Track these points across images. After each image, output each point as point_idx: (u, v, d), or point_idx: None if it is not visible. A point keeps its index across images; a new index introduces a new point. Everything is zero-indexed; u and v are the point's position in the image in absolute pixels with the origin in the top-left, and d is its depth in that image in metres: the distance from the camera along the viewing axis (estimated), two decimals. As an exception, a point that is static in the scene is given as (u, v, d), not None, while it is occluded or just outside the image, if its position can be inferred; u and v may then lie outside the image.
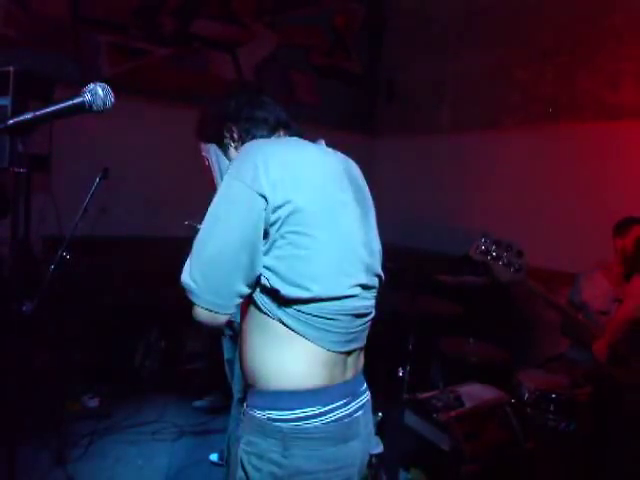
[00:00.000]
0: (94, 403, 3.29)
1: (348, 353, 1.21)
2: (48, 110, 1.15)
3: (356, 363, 1.26)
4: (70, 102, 1.16)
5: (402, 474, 2.37)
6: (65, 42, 3.72)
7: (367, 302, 1.23)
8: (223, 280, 1.09)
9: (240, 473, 1.16)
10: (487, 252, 2.42)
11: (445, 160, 4.77)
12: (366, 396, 1.28)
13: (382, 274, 1.30)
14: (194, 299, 1.11)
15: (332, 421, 1.14)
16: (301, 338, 1.13)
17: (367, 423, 1.26)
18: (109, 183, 2.58)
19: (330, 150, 1.32)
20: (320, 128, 5.61)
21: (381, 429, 2.57)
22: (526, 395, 2.54)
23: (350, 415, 1.18)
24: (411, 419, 2.35)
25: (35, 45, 3.57)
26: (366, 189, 1.36)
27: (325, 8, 5.04)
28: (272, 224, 1.08)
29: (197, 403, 3.48)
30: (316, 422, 1.13)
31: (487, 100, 4.47)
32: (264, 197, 1.07)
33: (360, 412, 1.22)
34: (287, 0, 4.79)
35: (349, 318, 1.18)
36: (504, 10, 4.34)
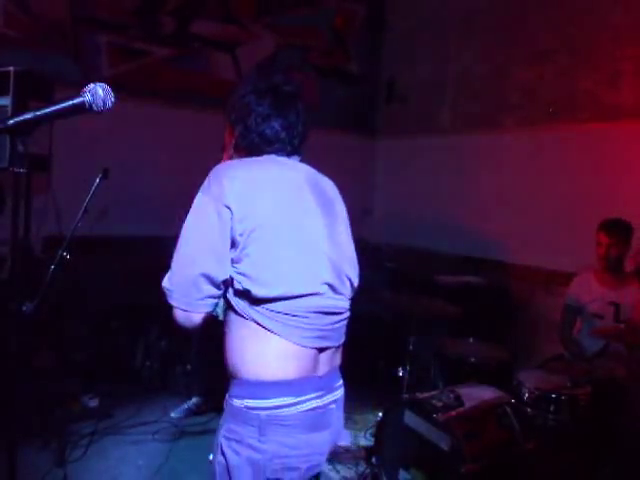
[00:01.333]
0: (94, 403, 3.29)
1: (321, 350, 1.31)
2: (48, 110, 1.15)
3: (331, 360, 1.36)
4: (70, 102, 1.16)
5: (402, 474, 2.38)
6: (65, 42, 3.72)
7: (336, 302, 1.33)
8: (192, 282, 1.23)
9: (220, 458, 1.28)
10: None
11: (445, 160, 4.77)
12: (340, 392, 1.39)
13: (353, 278, 1.44)
14: (169, 300, 1.27)
15: (305, 411, 1.26)
16: (274, 334, 1.24)
17: (339, 417, 1.39)
18: (109, 183, 2.58)
19: (300, 166, 1.44)
20: (320, 128, 5.62)
21: (381, 429, 2.58)
22: (526, 395, 2.54)
23: (324, 407, 1.31)
24: (411, 419, 2.35)
25: (35, 45, 3.57)
26: (336, 201, 1.49)
27: (325, 8, 5.04)
28: (240, 234, 1.21)
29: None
30: (290, 411, 1.24)
31: (487, 100, 4.47)
32: (229, 209, 1.21)
33: (334, 405, 1.35)
34: (287, 0, 4.79)
35: (317, 315, 1.28)
36: (504, 10, 4.34)
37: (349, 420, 3.54)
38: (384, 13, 5.47)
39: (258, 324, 1.24)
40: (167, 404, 3.44)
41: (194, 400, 3.45)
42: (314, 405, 1.28)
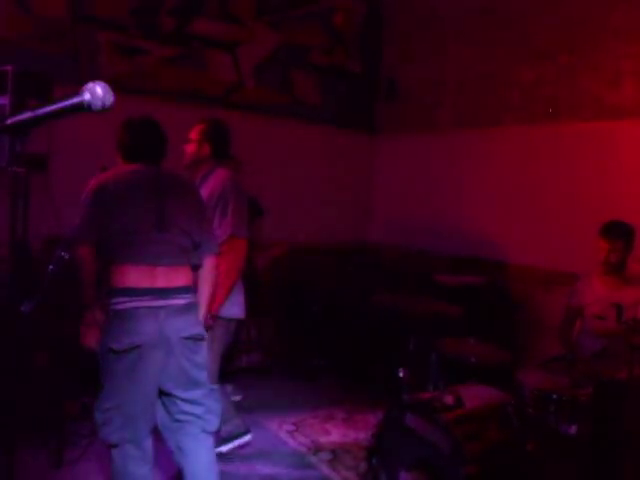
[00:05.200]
0: (93, 403, 3.28)
1: (153, 268, 2.03)
2: (47, 109, 1.14)
3: (168, 277, 2.06)
4: (69, 101, 1.15)
5: (402, 474, 2.37)
6: (65, 42, 3.72)
7: (161, 246, 2.07)
8: None
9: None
10: None
11: (445, 159, 4.77)
12: (180, 301, 2.06)
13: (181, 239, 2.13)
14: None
15: (127, 307, 1.98)
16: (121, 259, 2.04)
17: (176, 316, 2.04)
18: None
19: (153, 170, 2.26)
20: (320, 127, 5.63)
21: (381, 429, 2.57)
22: (526, 395, 2.53)
23: (144, 307, 1.99)
24: (411, 420, 2.35)
25: (35, 45, 3.56)
26: (183, 192, 2.29)
27: (325, 7, 5.04)
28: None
29: None
30: (123, 306, 1.99)
31: (487, 99, 4.46)
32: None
33: (157, 306, 2.00)
34: (287, 0, 4.79)
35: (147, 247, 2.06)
36: (504, 10, 4.33)
37: (349, 420, 3.54)
38: (384, 11, 5.46)
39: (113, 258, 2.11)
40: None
41: None
42: (140, 304, 1.99)
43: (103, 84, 1.17)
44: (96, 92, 1.16)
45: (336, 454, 3.08)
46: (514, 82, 4.25)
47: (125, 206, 2.09)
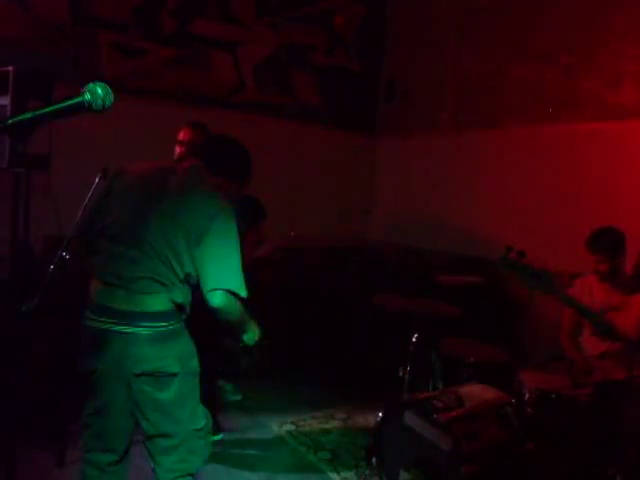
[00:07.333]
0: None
1: (111, 286, 1.78)
2: (48, 110, 1.14)
3: (131, 301, 1.76)
4: (70, 102, 1.16)
5: (402, 474, 2.37)
6: (65, 42, 3.72)
7: (124, 261, 1.79)
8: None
9: None
10: (515, 263, 2.44)
11: (445, 160, 4.77)
12: (137, 330, 1.75)
13: (153, 242, 1.79)
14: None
15: (88, 325, 1.81)
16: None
17: (126, 345, 1.76)
18: (109, 183, 2.58)
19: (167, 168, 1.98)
20: (320, 128, 5.63)
21: (381, 429, 2.57)
22: (526, 395, 2.54)
23: (102, 329, 1.77)
24: (411, 419, 2.35)
25: (35, 45, 3.56)
26: (175, 197, 1.85)
27: (325, 8, 5.04)
28: None
29: None
30: (85, 322, 1.82)
31: (487, 100, 4.46)
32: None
33: (116, 331, 1.75)
34: (287, 0, 4.79)
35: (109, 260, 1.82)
36: (504, 10, 4.33)
37: (349, 420, 3.54)
38: (384, 12, 5.46)
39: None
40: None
41: None
42: (93, 324, 1.79)
43: (103, 84, 1.17)
44: (97, 92, 1.16)
45: (336, 454, 3.08)
46: (514, 82, 4.25)
47: (116, 204, 1.89)
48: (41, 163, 2.86)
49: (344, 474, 2.87)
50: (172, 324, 1.82)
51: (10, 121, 1.12)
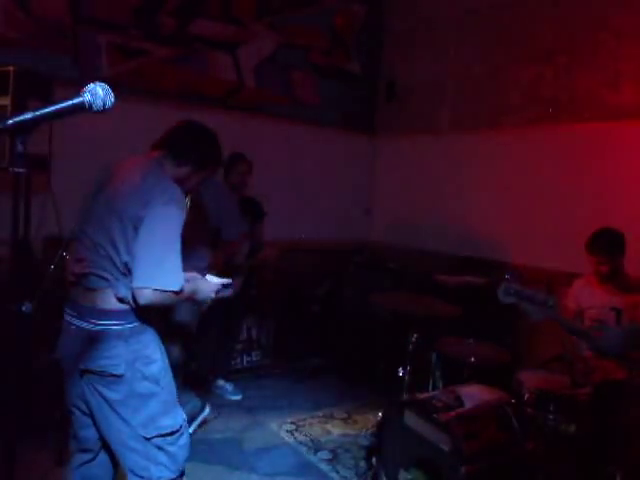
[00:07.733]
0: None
1: (72, 283, 1.83)
2: (48, 110, 1.14)
3: (85, 297, 1.79)
4: (70, 102, 1.16)
5: (402, 474, 2.37)
6: (65, 42, 3.72)
7: (75, 258, 1.84)
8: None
9: None
10: (517, 293, 2.43)
11: (445, 160, 4.77)
12: (91, 327, 1.77)
13: (93, 234, 1.80)
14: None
15: (64, 319, 1.86)
16: None
17: (83, 342, 1.76)
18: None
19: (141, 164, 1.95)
20: (320, 128, 5.62)
21: (381, 429, 2.58)
22: (526, 395, 2.54)
23: (67, 321, 1.85)
24: (411, 419, 2.35)
25: (35, 45, 3.56)
26: (119, 188, 1.83)
27: (325, 8, 5.04)
28: None
29: None
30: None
31: (487, 100, 4.46)
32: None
33: (74, 327, 1.81)
34: (287, 0, 4.79)
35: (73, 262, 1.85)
36: (504, 10, 4.34)
37: (349, 420, 3.54)
38: (384, 13, 5.47)
39: None
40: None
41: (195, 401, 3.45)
42: (66, 318, 1.86)
43: (104, 84, 1.17)
44: (97, 93, 1.16)
45: (336, 454, 3.08)
46: (514, 83, 4.25)
47: (93, 198, 1.89)
48: (41, 163, 2.86)
49: (344, 474, 2.87)
50: (123, 324, 1.77)
51: (10, 121, 1.11)
